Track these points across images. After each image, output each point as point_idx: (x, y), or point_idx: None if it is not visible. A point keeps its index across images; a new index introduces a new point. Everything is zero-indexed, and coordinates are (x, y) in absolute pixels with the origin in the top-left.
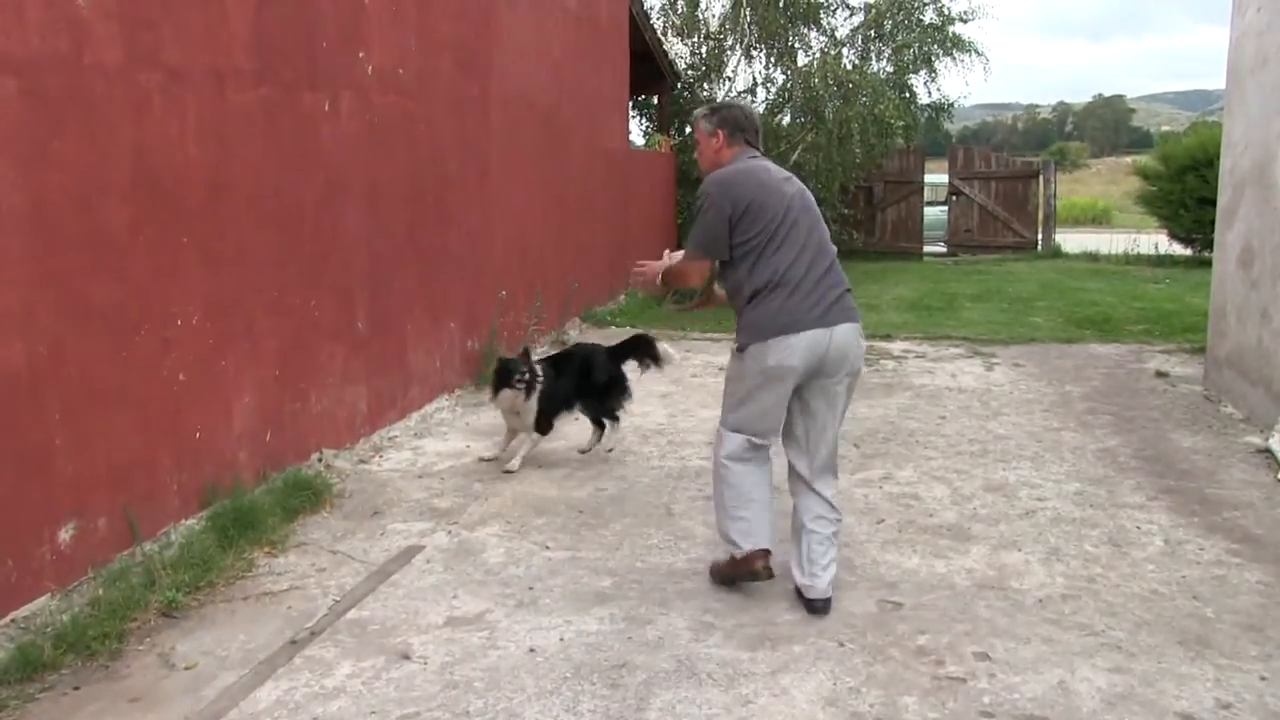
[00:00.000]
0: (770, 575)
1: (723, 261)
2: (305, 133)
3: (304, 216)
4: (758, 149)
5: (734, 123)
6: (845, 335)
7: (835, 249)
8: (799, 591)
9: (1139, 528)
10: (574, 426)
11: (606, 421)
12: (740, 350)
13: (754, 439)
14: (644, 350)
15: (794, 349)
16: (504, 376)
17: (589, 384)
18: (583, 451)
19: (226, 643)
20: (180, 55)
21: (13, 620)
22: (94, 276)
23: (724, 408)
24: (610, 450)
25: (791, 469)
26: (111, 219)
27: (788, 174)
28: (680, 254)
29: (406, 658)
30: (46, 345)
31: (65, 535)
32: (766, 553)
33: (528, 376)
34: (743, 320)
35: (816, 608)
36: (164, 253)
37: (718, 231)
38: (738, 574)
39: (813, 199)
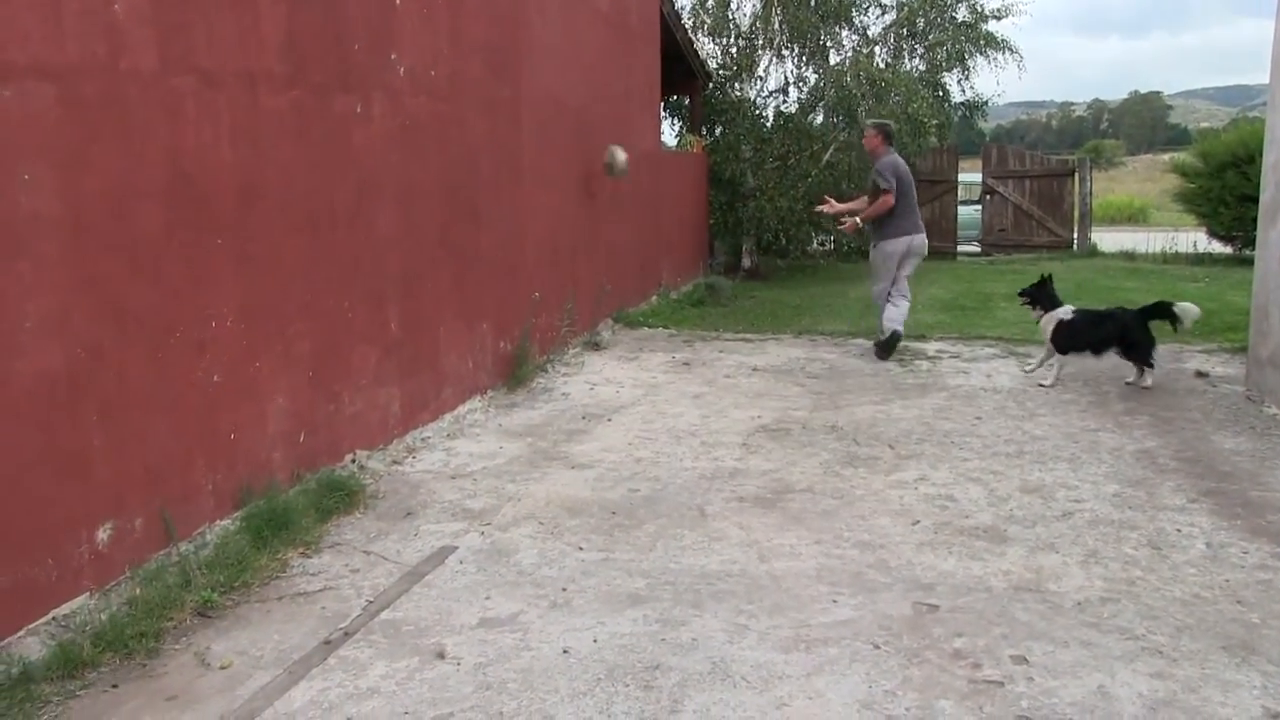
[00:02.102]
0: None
1: (885, 192)
2: (337, 135)
3: (336, 219)
4: (894, 147)
5: (887, 132)
6: (922, 238)
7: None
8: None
9: (1179, 530)
10: (616, 431)
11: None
12: (878, 244)
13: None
14: (1165, 313)
15: (905, 242)
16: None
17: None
18: (1129, 383)
19: (261, 642)
20: (213, 59)
21: (53, 618)
22: (130, 280)
23: (880, 278)
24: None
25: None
26: (146, 223)
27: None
28: (856, 203)
29: (440, 658)
30: (84, 348)
31: (103, 535)
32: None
33: (1031, 297)
34: (887, 229)
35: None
36: (198, 256)
37: (892, 182)
38: (891, 345)
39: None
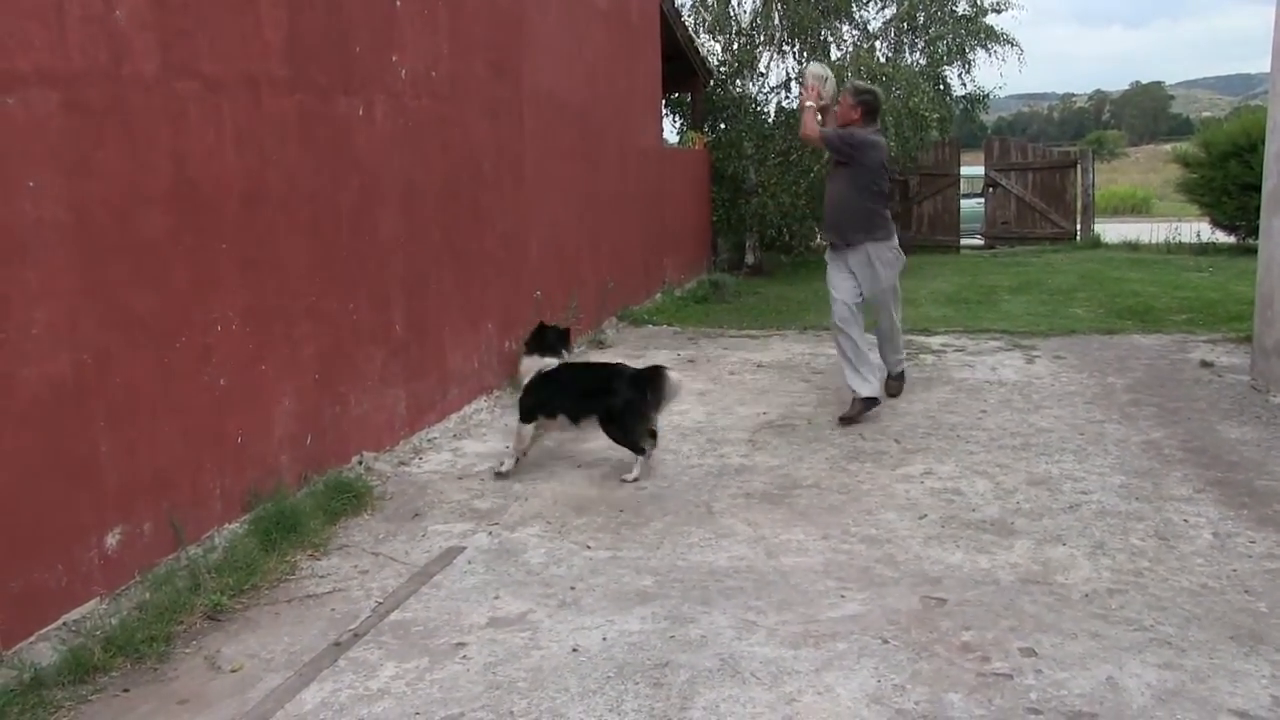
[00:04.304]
0: None
1: (839, 161)
2: (340, 138)
3: (340, 221)
4: (879, 128)
5: (870, 105)
6: None
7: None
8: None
9: (1186, 521)
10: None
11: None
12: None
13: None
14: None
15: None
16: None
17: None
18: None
19: (271, 645)
20: (216, 64)
21: (64, 623)
22: (135, 285)
23: (894, 295)
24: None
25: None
26: (151, 228)
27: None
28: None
29: (449, 658)
30: (91, 354)
31: (112, 540)
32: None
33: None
34: (886, 226)
35: None
36: (203, 260)
37: (846, 147)
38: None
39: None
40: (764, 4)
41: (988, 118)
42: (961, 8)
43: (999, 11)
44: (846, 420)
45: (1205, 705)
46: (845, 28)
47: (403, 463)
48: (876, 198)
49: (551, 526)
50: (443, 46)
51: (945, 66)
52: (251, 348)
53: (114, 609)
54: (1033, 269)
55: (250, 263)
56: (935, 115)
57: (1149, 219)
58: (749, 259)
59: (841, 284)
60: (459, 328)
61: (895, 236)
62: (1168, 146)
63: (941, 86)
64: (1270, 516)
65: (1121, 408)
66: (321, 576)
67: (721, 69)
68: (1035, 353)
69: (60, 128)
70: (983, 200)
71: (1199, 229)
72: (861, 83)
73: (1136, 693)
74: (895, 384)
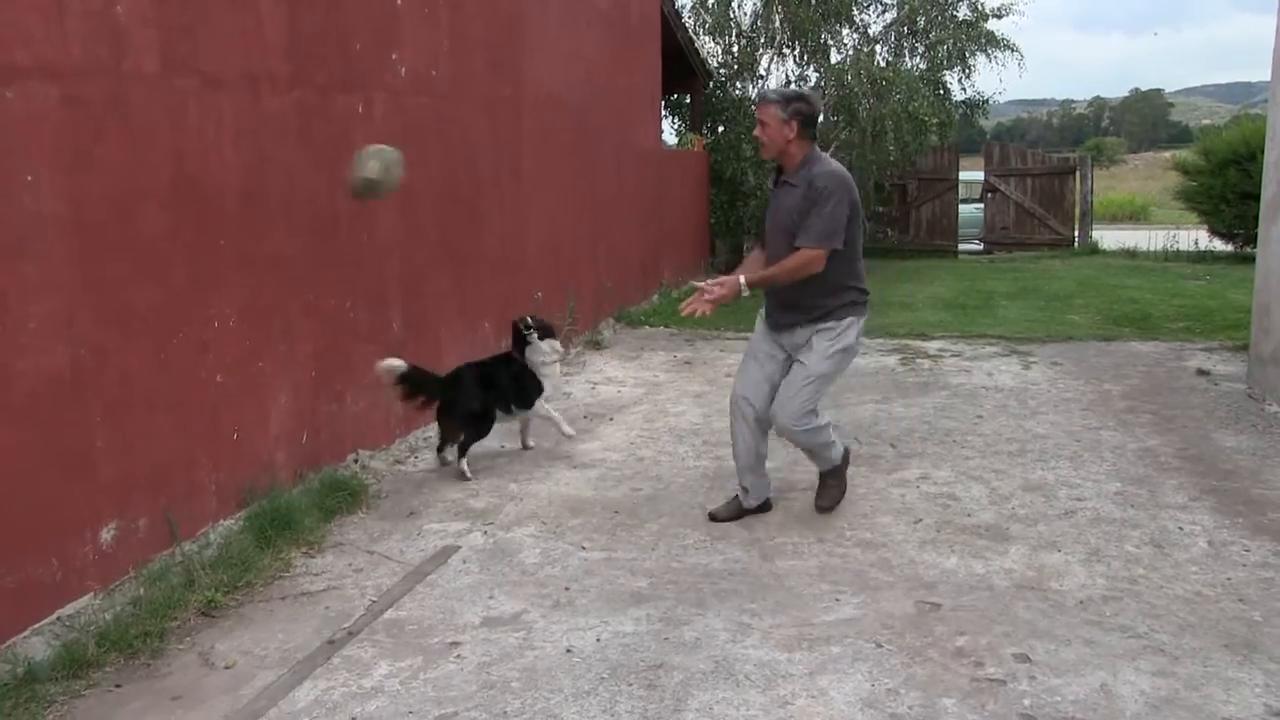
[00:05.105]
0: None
1: (821, 240)
2: (339, 135)
3: (338, 219)
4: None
5: (808, 118)
6: None
7: None
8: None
9: (1182, 529)
10: (618, 430)
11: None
12: (850, 324)
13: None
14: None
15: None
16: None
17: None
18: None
19: (265, 642)
20: (216, 60)
21: (58, 618)
22: (133, 280)
23: (826, 381)
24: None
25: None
26: (150, 223)
27: None
28: (748, 265)
29: (443, 658)
30: (88, 349)
31: (107, 535)
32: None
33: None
34: (843, 299)
35: None
36: (201, 256)
37: (842, 224)
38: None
39: None
40: (764, 6)
41: (987, 123)
42: (962, 13)
43: (1000, 17)
44: (717, 518)
45: (1199, 713)
46: (845, 31)
47: (398, 461)
48: (843, 260)
49: (547, 527)
50: (443, 45)
51: (945, 71)
52: (249, 344)
53: (108, 604)
54: (1030, 275)
55: (248, 260)
56: (935, 120)
57: (1147, 226)
58: None
59: (752, 370)
60: (455, 327)
61: (855, 319)
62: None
63: (941, 91)
64: (1265, 525)
65: (1118, 414)
66: (316, 574)
67: (721, 71)
68: (1032, 359)
69: (60, 122)
70: (981, 205)
71: (1197, 237)
72: (778, 87)
73: (1130, 700)
74: (832, 483)
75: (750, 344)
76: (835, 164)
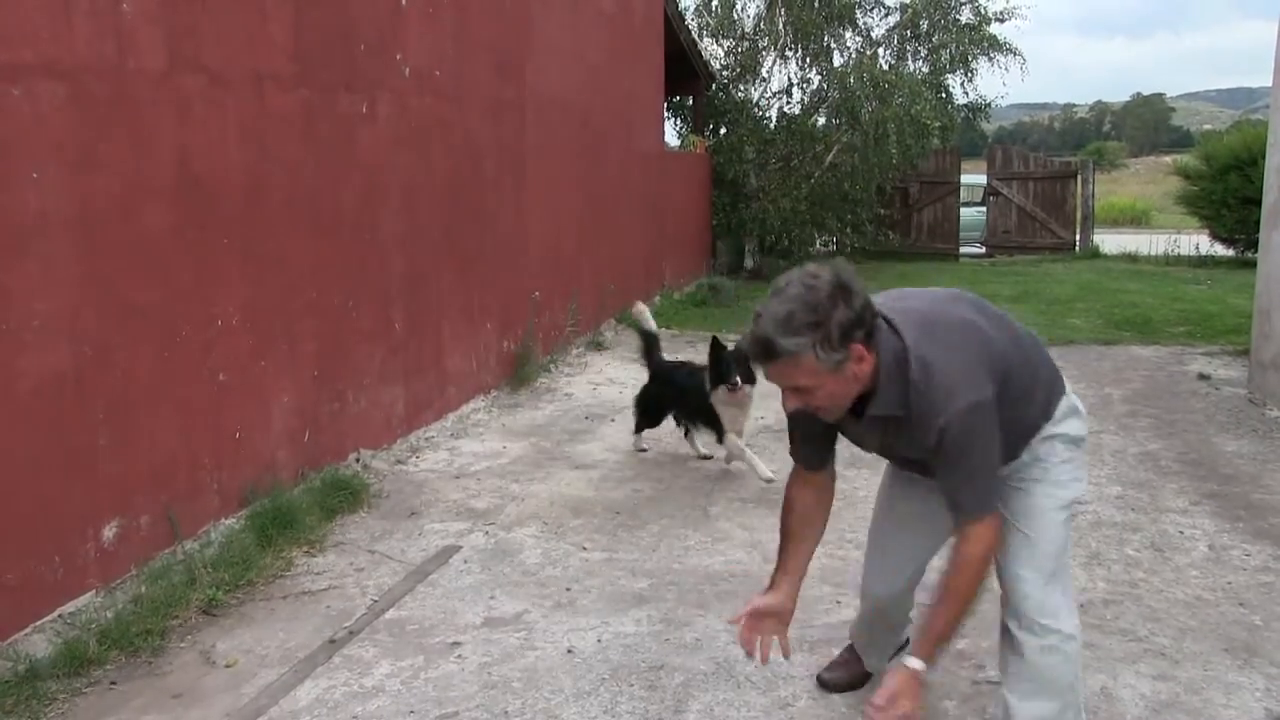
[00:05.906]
0: None
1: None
2: (343, 135)
3: (342, 219)
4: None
5: (858, 318)
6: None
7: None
8: None
9: (1182, 533)
10: (620, 430)
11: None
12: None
13: None
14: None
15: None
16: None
17: None
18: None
19: (266, 641)
20: (221, 59)
21: (60, 616)
22: (137, 279)
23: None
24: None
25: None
26: (154, 222)
27: (962, 298)
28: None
29: (444, 657)
30: (92, 346)
31: (109, 533)
32: None
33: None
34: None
35: None
36: (205, 255)
37: (996, 464)
38: None
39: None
40: (768, 8)
41: (988, 126)
42: (965, 16)
43: (1002, 20)
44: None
45: (1199, 717)
46: (848, 34)
47: (400, 461)
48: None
49: (548, 527)
50: (447, 46)
51: (947, 75)
52: (251, 343)
53: (109, 602)
54: (1032, 278)
55: (251, 258)
56: (937, 123)
57: (1148, 230)
58: (748, 263)
59: (897, 538)
60: (458, 327)
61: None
62: (1168, 158)
63: (944, 94)
64: (1266, 530)
65: (1118, 418)
66: (317, 573)
67: (724, 73)
68: None
69: (64, 120)
70: (983, 209)
71: (1198, 241)
72: (784, 308)
73: (1130, 703)
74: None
75: (882, 491)
76: (937, 360)
